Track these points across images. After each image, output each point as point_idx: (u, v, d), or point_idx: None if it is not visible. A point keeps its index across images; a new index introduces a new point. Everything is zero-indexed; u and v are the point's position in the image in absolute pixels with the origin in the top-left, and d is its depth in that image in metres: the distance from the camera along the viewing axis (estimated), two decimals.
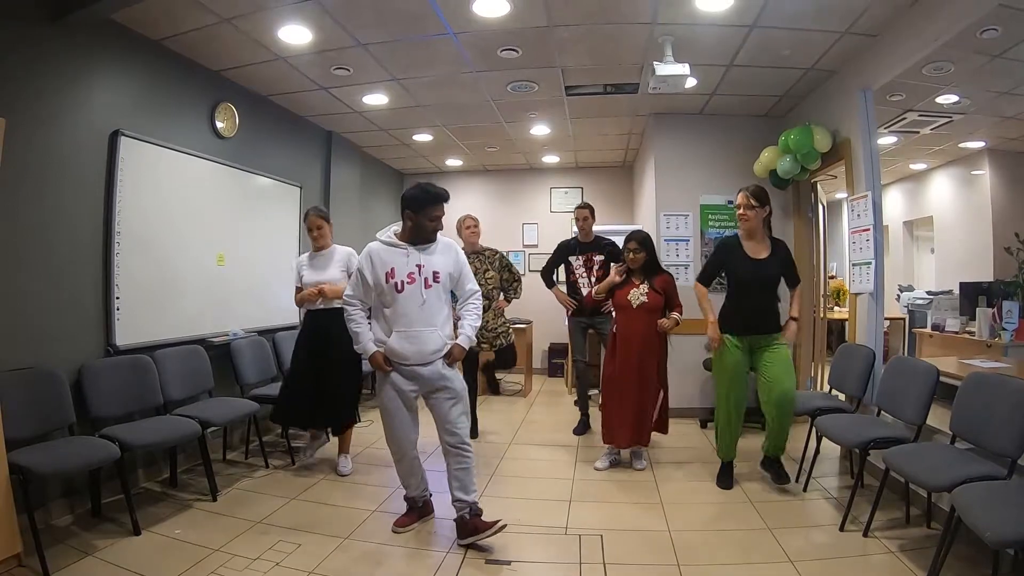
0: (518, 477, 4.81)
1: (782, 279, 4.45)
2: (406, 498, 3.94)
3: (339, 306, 4.65)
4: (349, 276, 4.73)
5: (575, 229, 6.15)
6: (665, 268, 5.09)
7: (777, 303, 4.41)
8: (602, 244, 5.95)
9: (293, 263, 4.84)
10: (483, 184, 10.19)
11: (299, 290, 4.80)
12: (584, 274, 5.94)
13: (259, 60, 5.15)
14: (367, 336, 3.65)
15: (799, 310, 4.52)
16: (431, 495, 4.03)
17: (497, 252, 6.15)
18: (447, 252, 3.72)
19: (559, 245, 6.20)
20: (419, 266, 3.57)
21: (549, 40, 4.83)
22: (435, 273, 3.60)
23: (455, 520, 3.66)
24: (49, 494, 3.79)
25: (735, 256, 4.45)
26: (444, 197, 3.63)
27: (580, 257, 5.99)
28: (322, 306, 4.73)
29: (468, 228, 5.96)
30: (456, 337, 3.72)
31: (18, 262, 3.67)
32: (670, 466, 5.03)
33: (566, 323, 6.34)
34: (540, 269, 6.37)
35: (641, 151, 8.36)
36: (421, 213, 3.56)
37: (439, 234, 3.72)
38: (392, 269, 3.56)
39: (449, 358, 3.65)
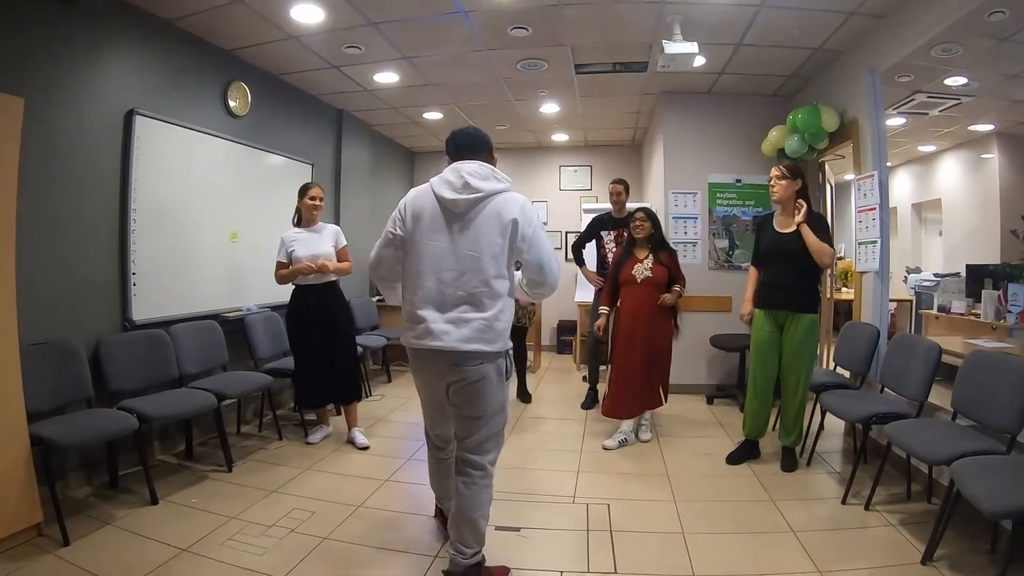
0: (527, 449, 4.91)
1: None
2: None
3: (333, 280, 4.80)
4: (337, 251, 4.86)
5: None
6: (672, 244, 5.16)
7: (808, 281, 4.31)
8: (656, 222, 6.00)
9: (280, 237, 4.85)
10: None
11: (283, 265, 4.78)
12: (615, 249, 5.97)
13: (271, 39, 5.18)
14: None
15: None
16: None
17: None
18: None
19: (593, 219, 6.26)
20: None
21: (559, 18, 4.85)
22: None
23: None
24: (67, 466, 3.87)
25: (764, 229, 4.51)
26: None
27: (612, 232, 6.05)
28: (314, 281, 4.77)
29: None
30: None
31: (37, 239, 3.72)
32: (676, 440, 5.12)
33: (591, 299, 6.40)
34: (572, 243, 6.43)
35: (650, 130, 8.37)
36: None
37: None
38: None
39: None
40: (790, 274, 4.29)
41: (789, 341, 4.32)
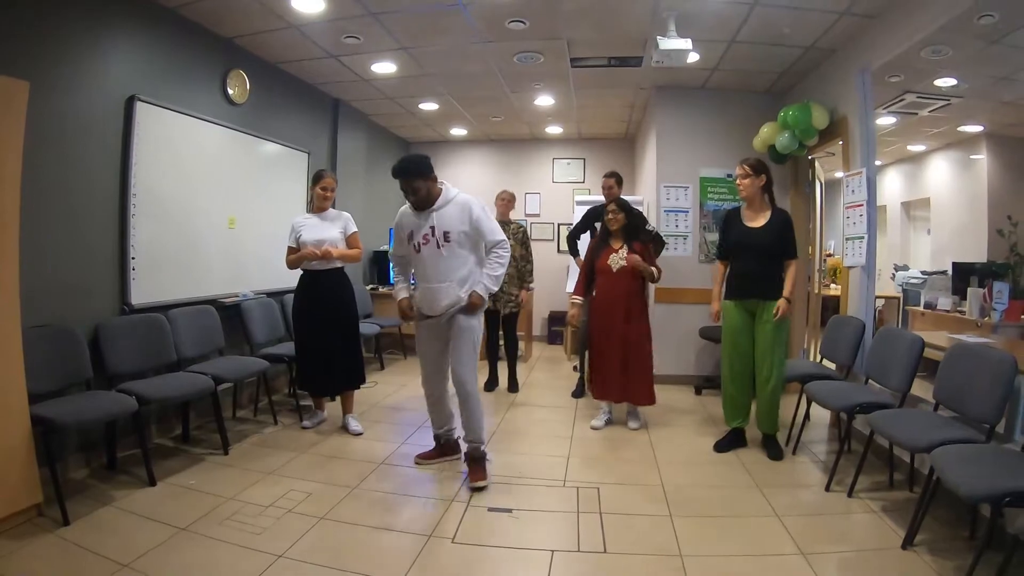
0: (519, 434, 5.01)
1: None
2: (434, 435, 4.38)
3: (340, 266, 4.85)
4: (346, 237, 4.91)
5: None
6: (653, 231, 5.23)
7: (776, 272, 4.48)
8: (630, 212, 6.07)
9: (291, 223, 4.92)
10: (487, 154, 10.28)
11: (293, 250, 4.83)
12: None
13: (271, 28, 5.22)
14: (400, 286, 4.25)
15: (791, 289, 4.46)
16: (458, 437, 4.36)
17: (522, 227, 6.45)
18: (461, 211, 3.91)
19: (587, 211, 6.30)
20: (432, 227, 3.88)
21: (556, 12, 4.91)
22: (446, 233, 3.87)
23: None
24: (66, 448, 3.90)
25: (733, 223, 4.63)
26: (393, 173, 3.91)
27: None
28: (319, 267, 4.81)
29: (501, 201, 6.36)
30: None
31: (39, 223, 3.75)
32: (665, 428, 5.22)
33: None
34: (567, 235, 6.50)
35: (643, 124, 8.44)
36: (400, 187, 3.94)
37: (458, 192, 3.99)
38: (411, 231, 3.98)
39: (468, 308, 3.93)
40: (761, 265, 4.45)
41: (762, 328, 4.45)
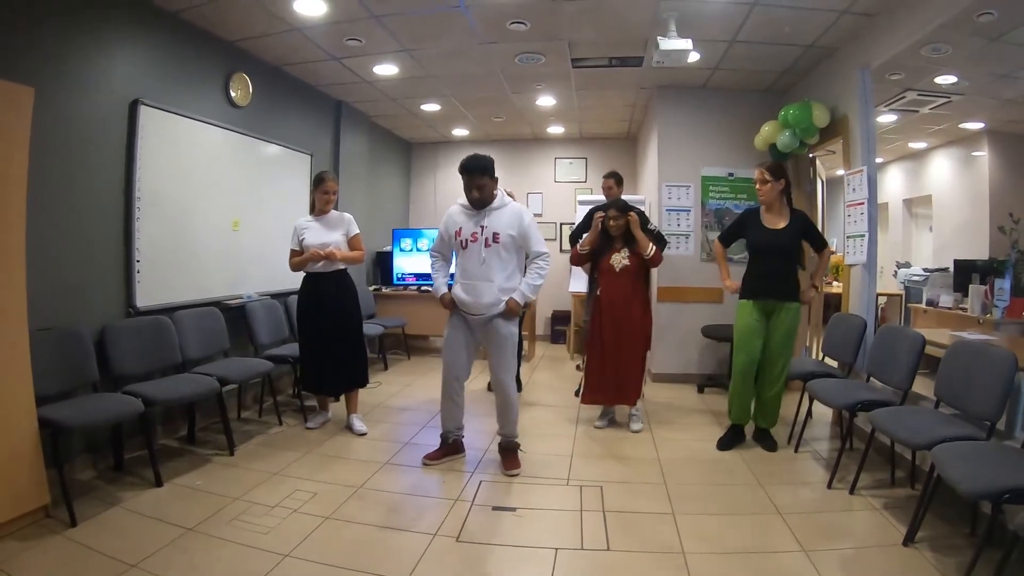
0: (523, 433, 4.90)
1: (806, 248, 4.71)
2: (441, 434, 4.44)
3: (343, 268, 4.87)
4: (348, 239, 4.92)
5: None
6: (657, 230, 5.25)
7: (793, 273, 4.56)
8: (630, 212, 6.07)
9: (293, 226, 4.92)
10: (489, 154, 10.19)
11: (296, 253, 4.84)
12: None
13: (274, 31, 5.24)
14: (440, 281, 4.32)
15: (820, 276, 4.81)
16: (463, 436, 4.51)
17: None
18: (512, 216, 4.14)
19: (591, 210, 6.31)
20: (482, 227, 4.08)
21: (557, 13, 4.92)
22: (495, 234, 4.06)
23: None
24: (73, 450, 3.92)
25: (753, 225, 4.65)
26: (464, 169, 4.15)
27: None
28: (322, 269, 4.81)
29: None
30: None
31: (45, 226, 3.77)
32: (667, 427, 5.24)
33: (584, 289, 6.50)
34: (570, 234, 6.54)
35: (644, 123, 8.45)
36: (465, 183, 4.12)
37: (511, 199, 4.30)
38: (460, 228, 4.15)
39: (504, 314, 4.11)
40: (781, 267, 4.51)
41: (778, 328, 4.51)
